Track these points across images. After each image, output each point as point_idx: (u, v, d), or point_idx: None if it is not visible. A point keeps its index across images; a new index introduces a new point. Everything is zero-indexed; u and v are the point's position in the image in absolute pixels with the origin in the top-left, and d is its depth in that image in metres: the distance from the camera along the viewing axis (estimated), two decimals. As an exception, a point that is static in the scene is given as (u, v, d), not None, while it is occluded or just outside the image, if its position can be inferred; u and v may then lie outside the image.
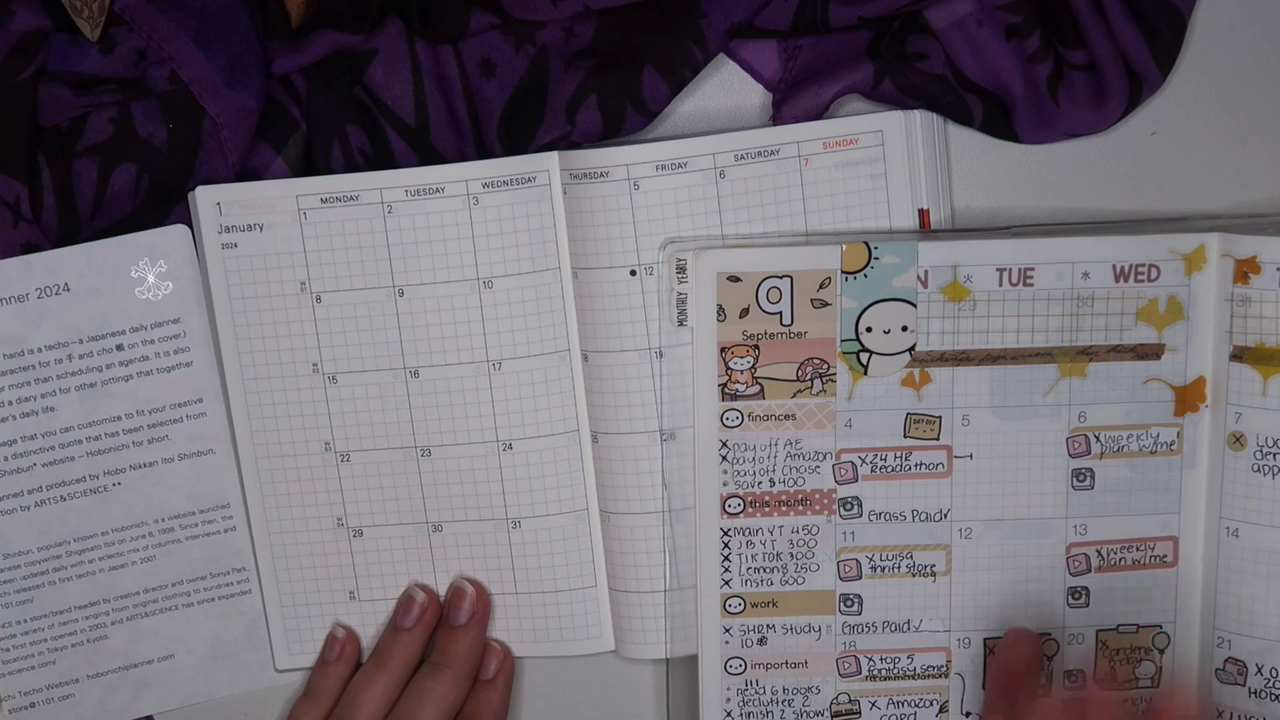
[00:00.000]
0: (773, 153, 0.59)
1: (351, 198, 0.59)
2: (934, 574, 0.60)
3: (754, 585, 0.61)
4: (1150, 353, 0.59)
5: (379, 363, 0.61)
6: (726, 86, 0.61)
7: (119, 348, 0.60)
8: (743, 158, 0.59)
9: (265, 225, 0.59)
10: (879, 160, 0.59)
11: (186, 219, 0.59)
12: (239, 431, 0.61)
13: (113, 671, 0.62)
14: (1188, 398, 0.59)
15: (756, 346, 0.59)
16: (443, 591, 0.62)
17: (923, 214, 0.60)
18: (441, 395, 0.61)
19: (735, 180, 0.59)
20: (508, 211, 0.59)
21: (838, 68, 0.59)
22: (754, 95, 0.61)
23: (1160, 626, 0.61)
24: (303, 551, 0.62)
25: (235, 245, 0.60)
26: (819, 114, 0.59)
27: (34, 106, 0.57)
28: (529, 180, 0.59)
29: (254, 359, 0.60)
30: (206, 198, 0.59)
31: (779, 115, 0.59)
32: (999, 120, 0.60)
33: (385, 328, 0.60)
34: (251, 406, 0.61)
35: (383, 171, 0.59)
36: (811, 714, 0.61)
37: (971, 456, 0.60)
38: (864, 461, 0.60)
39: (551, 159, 0.59)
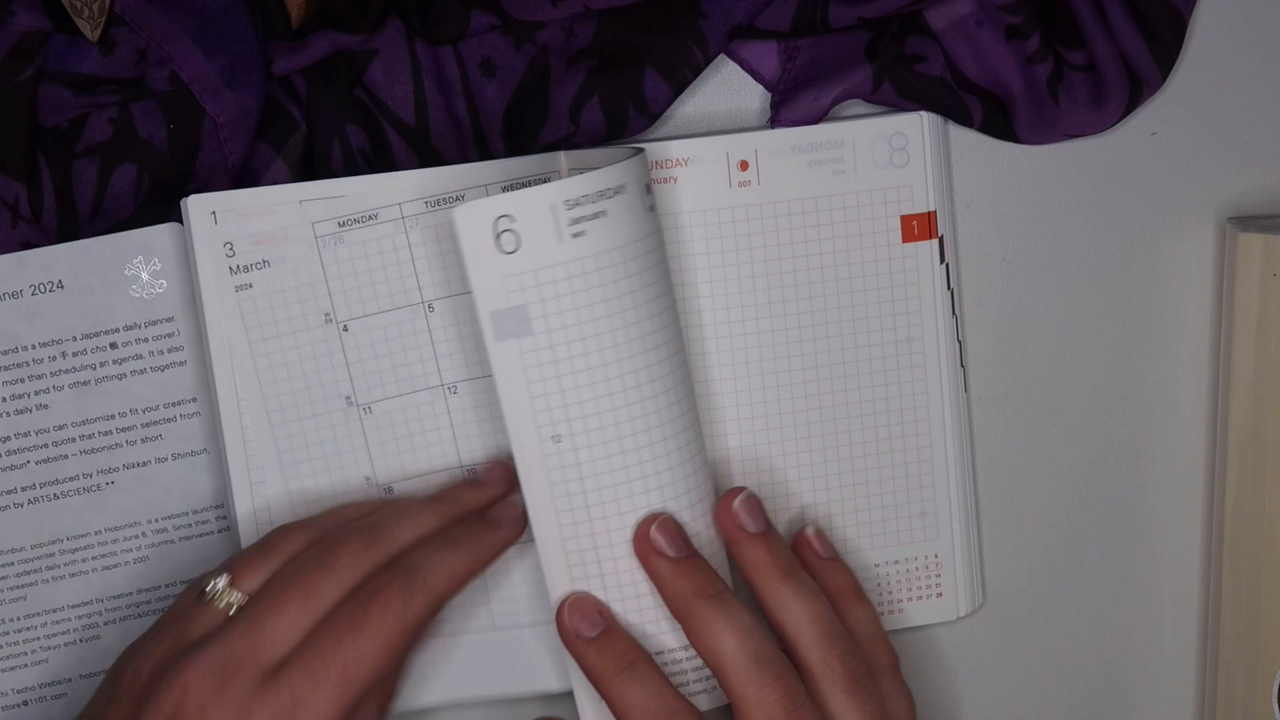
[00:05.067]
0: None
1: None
2: None
3: None
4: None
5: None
6: (727, 88, 0.61)
7: (113, 345, 0.59)
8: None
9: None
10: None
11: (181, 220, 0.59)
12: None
13: (105, 673, 0.61)
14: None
15: None
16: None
17: (930, 216, 0.60)
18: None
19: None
20: None
21: (837, 69, 0.59)
22: (754, 97, 0.61)
23: None
24: None
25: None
26: (818, 118, 0.59)
27: (34, 107, 0.57)
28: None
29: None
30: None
31: (777, 118, 0.60)
32: (999, 121, 0.60)
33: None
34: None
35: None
36: None
37: None
38: None
39: (559, 159, 0.59)
